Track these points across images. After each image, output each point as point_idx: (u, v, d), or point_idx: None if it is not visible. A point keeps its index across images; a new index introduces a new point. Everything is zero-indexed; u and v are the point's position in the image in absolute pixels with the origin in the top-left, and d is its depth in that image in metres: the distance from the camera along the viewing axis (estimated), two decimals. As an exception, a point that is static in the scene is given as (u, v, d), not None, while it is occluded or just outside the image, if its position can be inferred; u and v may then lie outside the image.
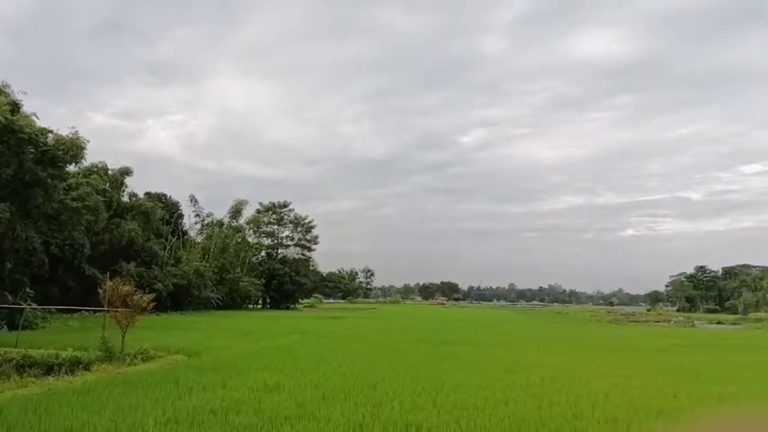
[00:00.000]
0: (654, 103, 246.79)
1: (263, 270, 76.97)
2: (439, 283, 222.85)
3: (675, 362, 17.81)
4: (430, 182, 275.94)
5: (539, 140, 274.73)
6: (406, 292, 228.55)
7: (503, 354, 18.81)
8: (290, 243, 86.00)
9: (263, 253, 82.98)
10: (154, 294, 17.52)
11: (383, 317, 54.44)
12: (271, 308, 77.83)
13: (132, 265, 43.83)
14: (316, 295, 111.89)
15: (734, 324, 70.60)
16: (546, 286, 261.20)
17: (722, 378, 14.03)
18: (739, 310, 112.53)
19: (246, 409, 8.75)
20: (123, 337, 15.70)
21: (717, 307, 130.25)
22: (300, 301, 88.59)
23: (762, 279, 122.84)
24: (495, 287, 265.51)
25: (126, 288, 16.43)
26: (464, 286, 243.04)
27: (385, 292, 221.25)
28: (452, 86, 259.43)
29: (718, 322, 75.77)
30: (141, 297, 16.45)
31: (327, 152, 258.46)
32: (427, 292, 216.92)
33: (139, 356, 14.94)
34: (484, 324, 44.40)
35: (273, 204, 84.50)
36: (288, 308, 78.25)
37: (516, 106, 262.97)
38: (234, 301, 66.72)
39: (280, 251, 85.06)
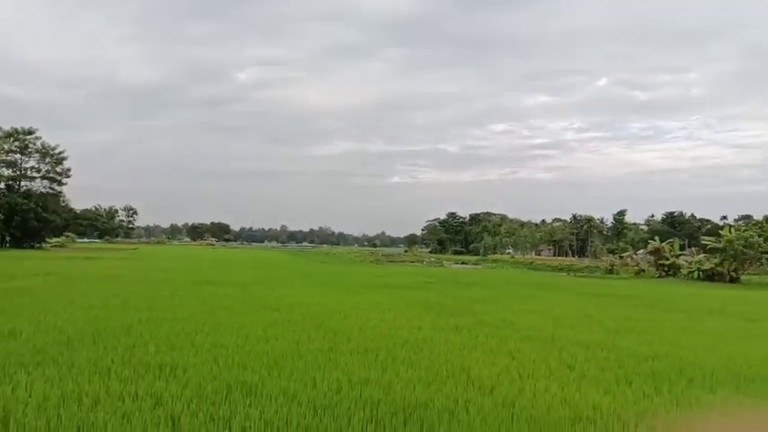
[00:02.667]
0: (423, 59, 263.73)
1: (2, 204, 67.51)
2: (209, 223, 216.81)
3: (423, 297, 19.71)
4: (204, 117, 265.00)
5: (316, 85, 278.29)
6: (173, 232, 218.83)
7: (268, 293, 19.07)
8: (35, 175, 76.09)
9: (1, 185, 72.55)
10: None
11: (146, 257, 51.57)
12: (11, 247, 68.93)
13: None
14: (68, 234, 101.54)
15: (475, 264, 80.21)
16: (316, 228, 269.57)
17: (460, 311, 15.88)
18: (480, 251, 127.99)
19: (-30, 358, 7.72)
20: None
21: (463, 249, 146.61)
22: (48, 240, 79.84)
23: (500, 225, 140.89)
24: (266, 228, 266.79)
25: None
26: (235, 227, 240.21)
27: (149, 231, 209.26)
28: (230, 18, 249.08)
29: (463, 263, 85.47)
30: None
31: (88, 75, 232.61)
32: (196, 232, 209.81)
33: None
34: (253, 265, 44.49)
35: (16, 130, 73.59)
36: (33, 247, 69.98)
37: (295, 48, 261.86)
38: (-37, 239, 57.81)
39: (23, 184, 74.98)
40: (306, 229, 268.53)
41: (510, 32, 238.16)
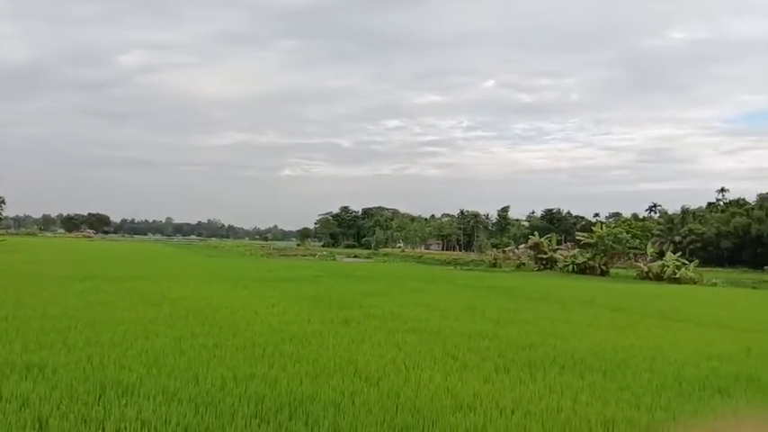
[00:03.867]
0: (318, 52, 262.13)
1: None
2: (86, 214, 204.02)
3: (313, 291, 19.66)
4: (82, 101, 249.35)
5: (206, 72, 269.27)
6: (46, 223, 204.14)
7: (150, 288, 18.23)
8: None
9: None
10: None
11: (15, 250, 47.67)
12: None
13: None
14: None
15: (367, 258, 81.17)
16: (205, 221, 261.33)
17: (350, 304, 15.96)
18: (372, 245, 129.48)
19: None
20: None
21: (355, 243, 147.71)
22: None
23: (392, 220, 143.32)
24: (151, 220, 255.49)
25: None
26: (116, 219, 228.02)
27: (19, 222, 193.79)
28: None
29: (355, 256, 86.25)
30: None
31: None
32: (72, 223, 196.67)
33: None
34: (134, 258, 42.40)
35: None
36: None
37: (184, 33, 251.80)
38: None
39: None
40: (193, 221, 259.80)
41: (403, 31, 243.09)
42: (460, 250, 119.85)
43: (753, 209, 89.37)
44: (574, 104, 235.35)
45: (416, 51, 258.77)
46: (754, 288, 41.70)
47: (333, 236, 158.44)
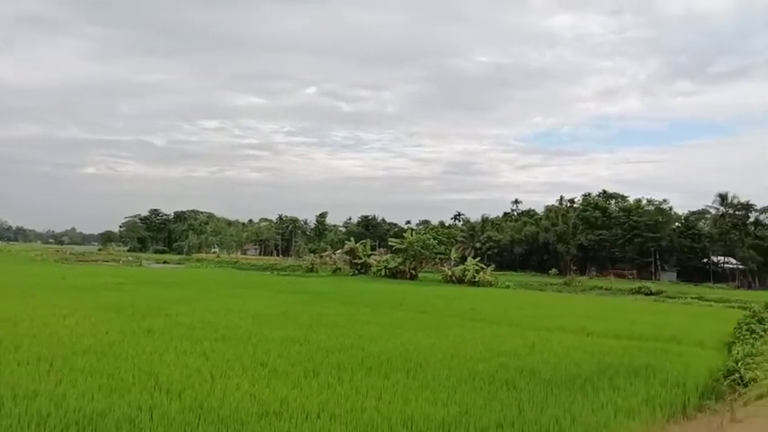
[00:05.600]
0: (129, 43, 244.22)
1: None
2: None
3: (114, 300, 18.26)
4: None
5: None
6: None
7: None
8: None
9: None
10: None
11: None
12: None
13: None
14: None
15: (178, 264, 77.27)
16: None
17: (155, 313, 15.06)
18: (185, 250, 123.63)
19: None
20: None
21: (166, 248, 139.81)
22: None
23: (206, 224, 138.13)
24: None
25: None
26: None
27: None
28: None
29: (165, 262, 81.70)
30: None
31: None
32: None
33: None
34: None
35: None
36: None
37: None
38: None
39: None
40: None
41: (222, 30, 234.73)
42: (278, 255, 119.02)
43: (541, 219, 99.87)
44: (390, 116, 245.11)
45: (236, 52, 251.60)
46: (540, 290, 46.69)
47: (141, 240, 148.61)
